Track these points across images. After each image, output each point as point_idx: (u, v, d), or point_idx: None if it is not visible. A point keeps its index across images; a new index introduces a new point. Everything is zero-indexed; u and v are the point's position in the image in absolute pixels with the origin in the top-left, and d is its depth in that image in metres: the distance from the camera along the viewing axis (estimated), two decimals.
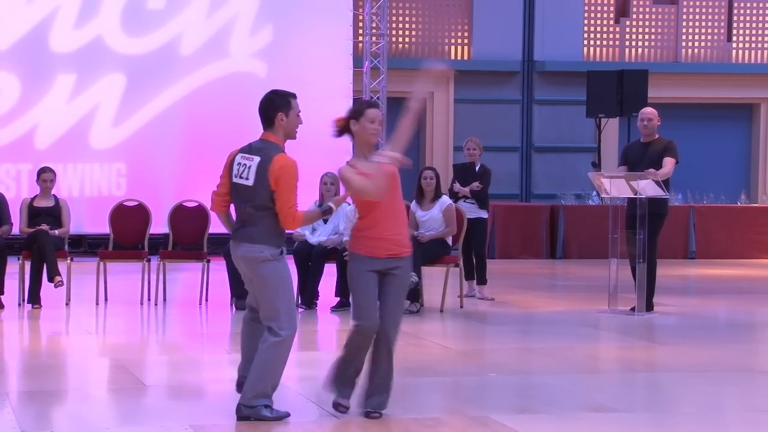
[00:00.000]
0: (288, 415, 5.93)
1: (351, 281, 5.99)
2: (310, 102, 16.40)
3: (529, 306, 11.11)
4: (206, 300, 10.76)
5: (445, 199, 10.53)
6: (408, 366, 7.54)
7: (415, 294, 10.20)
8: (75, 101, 15.63)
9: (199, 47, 16.01)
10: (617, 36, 19.44)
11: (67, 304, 10.45)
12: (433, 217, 10.40)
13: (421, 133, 18.85)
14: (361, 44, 17.41)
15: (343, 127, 6.07)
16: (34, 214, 10.53)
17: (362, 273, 5.93)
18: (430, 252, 10.27)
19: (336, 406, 6.05)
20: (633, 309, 10.17)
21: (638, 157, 10.22)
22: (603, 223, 11.51)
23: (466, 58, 18.94)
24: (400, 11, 18.82)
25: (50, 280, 10.14)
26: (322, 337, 9.53)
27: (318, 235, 10.51)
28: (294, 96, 6.12)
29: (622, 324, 9.75)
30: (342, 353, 6.05)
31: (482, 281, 11.38)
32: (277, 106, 6.07)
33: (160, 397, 6.54)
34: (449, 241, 10.52)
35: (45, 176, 10.64)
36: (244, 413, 5.85)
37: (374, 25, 17.34)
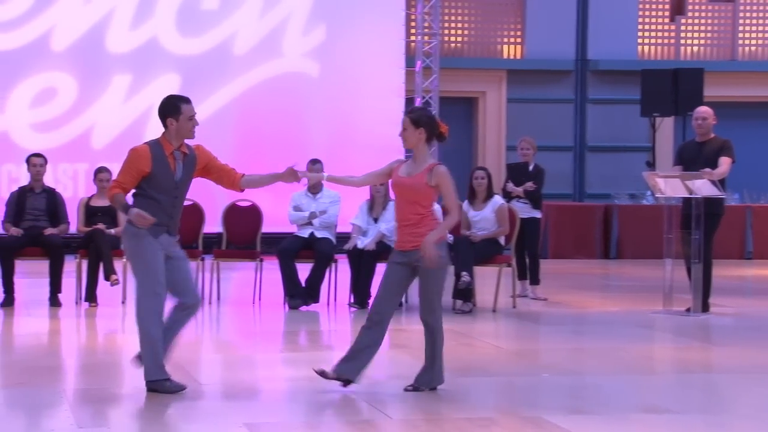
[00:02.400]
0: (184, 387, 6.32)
1: None
2: (362, 101, 16.60)
3: (583, 306, 11.05)
4: (259, 299, 10.83)
5: (497, 199, 10.50)
6: (460, 366, 7.53)
7: (467, 294, 10.19)
8: (130, 101, 15.81)
9: (253, 47, 16.11)
10: (672, 34, 19.25)
11: (122, 302, 10.56)
12: (484, 217, 10.38)
13: (473, 133, 18.81)
14: (413, 44, 17.41)
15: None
16: (90, 213, 10.66)
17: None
18: (482, 252, 10.25)
19: (321, 372, 6.52)
20: (688, 310, 10.08)
21: (693, 157, 10.12)
22: (657, 223, 11.43)
23: (518, 57, 18.86)
24: (453, 10, 18.79)
25: (106, 278, 10.26)
26: None
27: (368, 235, 10.55)
28: (186, 101, 6.52)
29: (676, 325, 9.67)
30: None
31: (535, 281, 11.34)
32: (166, 112, 6.51)
33: (214, 396, 6.59)
34: (502, 240, 10.49)
35: (101, 176, 10.77)
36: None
37: (426, 24, 17.33)
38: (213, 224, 11.81)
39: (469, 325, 9.50)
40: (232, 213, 11.36)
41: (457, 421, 5.93)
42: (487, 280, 10.96)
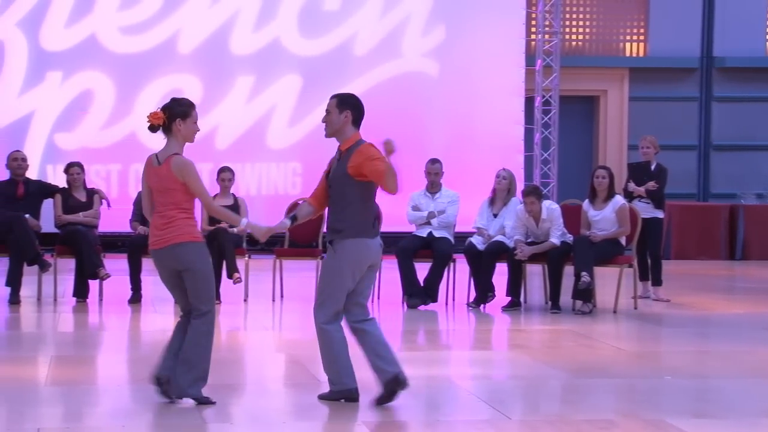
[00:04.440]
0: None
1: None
2: (481, 101, 16.54)
3: (707, 308, 10.82)
4: (378, 298, 10.89)
5: (618, 199, 10.36)
6: (580, 367, 7.46)
7: (587, 294, 10.09)
8: (253, 102, 16.06)
9: (372, 48, 16.21)
10: None
11: (245, 300, 10.74)
12: (605, 217, 10.25)
13: (593, 131, 18.59)
14: (533, 42, 17.28)
15: None
16: None
17: None
18: (602, 252, 10.13)
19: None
20: None
21: None
22: None
23: (641, 54, 18.55)
24: (574, 8, 18.58)
25: (229, 276, 10.45)
26: (494, 336, 9.52)
27: (490, 231, 10.55)
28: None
29: None
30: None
31: (657, 282, 11.15)
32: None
33: None
34: (622, 241, 10.35)
35: (224, 176, 10.97)
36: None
37: (547, 22, 17.18)
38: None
39: (588, 326, 9.39)
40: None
41: (577, 422, 5.87)
42: (608, 280, 10.82)
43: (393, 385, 6.13)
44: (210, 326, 6.18)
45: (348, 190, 6.16)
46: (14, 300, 10.25)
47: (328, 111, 6.32)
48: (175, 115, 6.25)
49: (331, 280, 6.21)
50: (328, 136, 6.34)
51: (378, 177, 6.12)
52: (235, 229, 10.68)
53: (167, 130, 6.28)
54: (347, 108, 6.34)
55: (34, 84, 15.60)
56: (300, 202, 6.68)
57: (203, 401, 6.10)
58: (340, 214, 6.20)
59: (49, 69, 15.54)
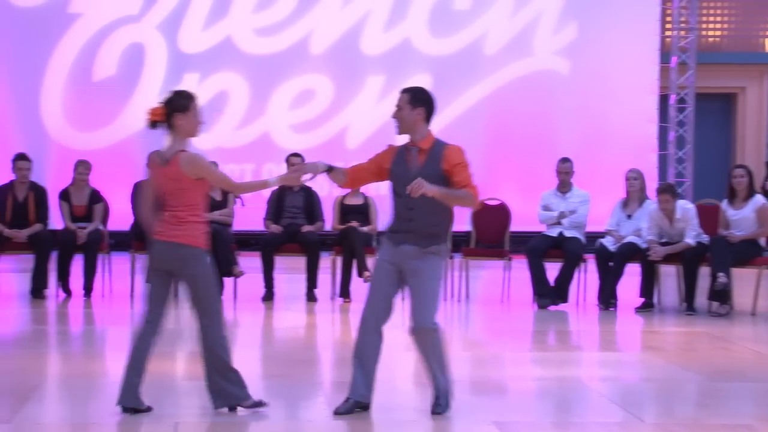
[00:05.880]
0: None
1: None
2: (614, 99, 16.30)
3: None
4: (508, 298, 10.84)
5: (759, 198, 10.09)
6: (716, 370, 7.29)
7: (724, 296, 9.86)
8: (383, 102, 16.15)
9: (503, 46, 16.13)
10: None
11: None
12: (745, 217, 10.00)
13: (731, 130, 18.14)
14: (668, 39, 16.95)
15: None
16: (345, 211, 10.99)
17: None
18: (741, 253, 9.89)
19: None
20: None
21: None
22: None
23: None
24: (711, 3, 18.16)
25: (360, 275, 10.54)
26: (622, 338, 9.38)
27: (621, 232, 10.41)
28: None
29: None
30: None
31: None
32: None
33: (463, 392, 6.64)
34: (762, 242, 10.08)
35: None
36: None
37: (683, 18, 16.84)
38: (461, 223, 11.90)
39: (725, 329, 9.17)
40: (481, 212, 11.40)
41: (713, 426, 5.74)
42: (746, 282, 10.54)
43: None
44: (209, 342, 5.92)
45: None
46: None
47: (399, 107, 6.00)
48: (175, 109, 5.80)
49: (438, 283, 5.98)
50: (400, 133, 6.09)
51: (468, 188, 5.90)
52: (366, 228, 10.73)
53: (169, 125, 5.81)
54: (420, 104, 6.04)
55: (172, 85, 15.80)
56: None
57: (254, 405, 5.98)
58: (435, 217, 5.93)
59: (186, 71, 15.93)
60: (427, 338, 5.96)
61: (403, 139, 6.13)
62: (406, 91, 6.09)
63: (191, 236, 5.79)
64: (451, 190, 5.86)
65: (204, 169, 5.81)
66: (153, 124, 5.84)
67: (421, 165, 5.97)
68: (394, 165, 6.03)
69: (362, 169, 6.14)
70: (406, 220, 5.94)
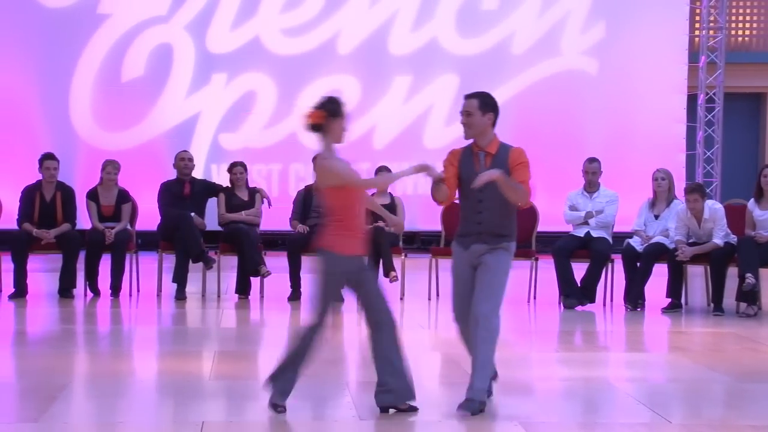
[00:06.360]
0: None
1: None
2: (642, 99, 16.24)
3: None
4: (534, 298, 10.82)
5: None
6: (745, 371, 7.25)
7: (752, 296, 9.80)
8: (410, 102, 16.17)
9: (531, 46, 16.11)
10: None
11: (401, 299, 10.83)
12: None
13: (759, 129, 18.02)
14: (697, 38, 16.87)
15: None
16: (371, 211, 10.99)
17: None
18: None
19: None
20: None
21: None
22: None
23: None
24: (740, 2, 18.05)
25: (386, 275, 10.55)
26: (649, 339, 9.35)
27: (648, 232, 10.37)
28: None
29: None
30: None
31: None
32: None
33: None
34: None
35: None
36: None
37: (712, 18, 16.75)
38: None
39: (754, 330, 9.12)
40: None
41: (740, 428, 5.71)
42: None
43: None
44: (307, 338, 5.96)
45: None
46: (180, 296, 10.59)
47: (469, 112, 6.08)
48: (330, 114, 5.95)
49: (504, 278, 6.13)
50: (469, 137, 6.15)
51: (524, 184, 5.99)
52: (392, 228, 10.74)
53: (321, 129, 5.97)
54: (490, 109, 6.16)
55: (200, 86, 16.08)
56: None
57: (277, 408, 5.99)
58: (503, 219, 6.04)
59: (214, 71, 16.00)
60: (479, 328, 6.00)
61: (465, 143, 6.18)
62: (473, 96, 6.18)
63: (325, 238, 5.94)
64: (512, 180, 5.94)
65: (334, 174, 5.86)
66: (314, 127, 5.94)
67: (488, 168, 6.02)
68: (461, 168, 6.12)
69: (451, 184, 6.13)
70: (474, 223, 6.06)
